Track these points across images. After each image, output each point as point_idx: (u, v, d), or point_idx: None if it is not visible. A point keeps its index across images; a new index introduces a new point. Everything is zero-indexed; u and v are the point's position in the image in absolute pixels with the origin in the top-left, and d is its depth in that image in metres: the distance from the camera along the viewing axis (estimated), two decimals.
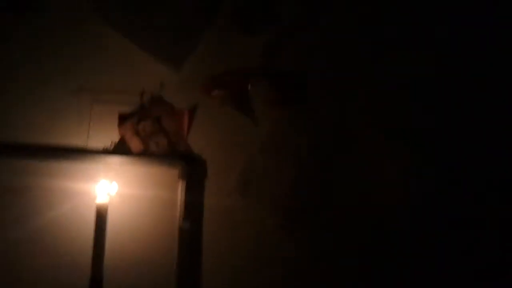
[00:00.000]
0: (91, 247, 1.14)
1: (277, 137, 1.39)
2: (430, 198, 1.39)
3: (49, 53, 1.33)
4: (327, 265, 1.37)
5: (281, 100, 1.40)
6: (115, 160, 1.28)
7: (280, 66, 1.41)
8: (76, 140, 1.30)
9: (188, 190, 1.29)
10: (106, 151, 1.29)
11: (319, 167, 1.39)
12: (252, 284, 1.34)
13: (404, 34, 1.44)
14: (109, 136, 1.31)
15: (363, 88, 1.42)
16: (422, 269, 1.37)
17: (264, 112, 1.38)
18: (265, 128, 1.38)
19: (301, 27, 1.41)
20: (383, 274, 1.38)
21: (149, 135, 1.32)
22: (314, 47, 1.42)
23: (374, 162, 1.40)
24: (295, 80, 1.42)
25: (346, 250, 1.37)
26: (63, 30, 1.34)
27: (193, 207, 1.29)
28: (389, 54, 1.43)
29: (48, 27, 1.34)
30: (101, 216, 1.17)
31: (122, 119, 1.32)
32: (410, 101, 1.42)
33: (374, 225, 1.38)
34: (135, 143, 1.31)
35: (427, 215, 1.38)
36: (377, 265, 1.38)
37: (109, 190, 1.21)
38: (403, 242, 1.38)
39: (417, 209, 1.38)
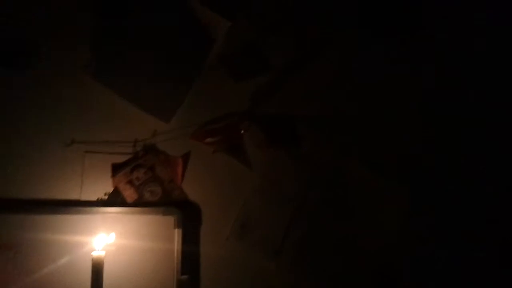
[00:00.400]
0: None
1: (270, 180, 1.40)
2: (429, 237, 1.40)
3: (40, 108, 1.33)
4: None
5: (272, 144, 1.42)
6: (110, 211, 1.28)
7: (269, 110, 1.43)
8: (70, 192, 1.29)
9: (184, 239, 1.29)
10: (101, 203, 1.29)
11: (314, 207, 1.40)
12: None
13: (401, 69, 1.49)
14: (103, 187, 1.31)
15: (356, 129, 1.45)
16: None
17: (257, 156, 1.39)
18: (258, 172, 1.39)
19: (290, 72, 1.45)
20: None
21: (143, 184, 1.32)
22: (304, 91, 1.45)
23: (371, 202, 1.42)
24: (285, 123, 1.44)
25: None
26: (54, 85, 1.35)
27: (190, 255, 1.28)
28: (384, 94, 1.47)
29: (39, 83, 1.34)
30: (97, 268, 1.15)
31: (116, 169, 1.32)
32: (407, 141, 1.45)
33: (373, 268, 1.38)
34: (129, 193, 1.31)
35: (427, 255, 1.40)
36: None
37: (105, 242, 1.20)
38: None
39: (417, 249, 1.39)
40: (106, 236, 1.21)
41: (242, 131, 1.39)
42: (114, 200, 1.30)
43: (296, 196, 1.39)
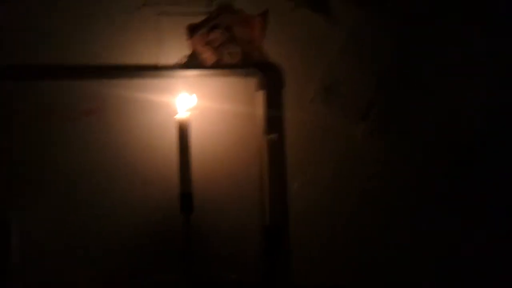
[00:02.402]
0: (176, 162, 1.11)
1: (358, 38, 1.28)
2: None
3: None
4: (415, 173, 1.29)
5: None
6: (190, 74, 1.23)
7: None
8: (146, 57, 1.24)
9: (267, 101, 1.23)
10: (179, 66, 1.23)
11: (404, 68, 1.29)
12: (340, 193, 1.28)
13: None
14: (179, 50, 1.24)
15: None
16: None
17: (342, 12, 1.27)
18: (344, 30, 1.28)
19: None
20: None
21: (221, 45, 1.25)
22: None
23: (465, 61, 1.29)
24: None
25: (435, 161, 1.29)
26: None
27: (273, 118, 1.23)
28: None
29: None
30: (183, 131, 1.13)
31: (192, 31, 1.25)
32: None
33: (460, 132, 1.29)
34: (207, 55, 1.25)
35: None
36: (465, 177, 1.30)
37: (187, 104, 1.16)
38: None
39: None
40: (188, 97, 1.16)
41: None
42: (193, 62, 1.24)
43: (385, 58, 1.28)
